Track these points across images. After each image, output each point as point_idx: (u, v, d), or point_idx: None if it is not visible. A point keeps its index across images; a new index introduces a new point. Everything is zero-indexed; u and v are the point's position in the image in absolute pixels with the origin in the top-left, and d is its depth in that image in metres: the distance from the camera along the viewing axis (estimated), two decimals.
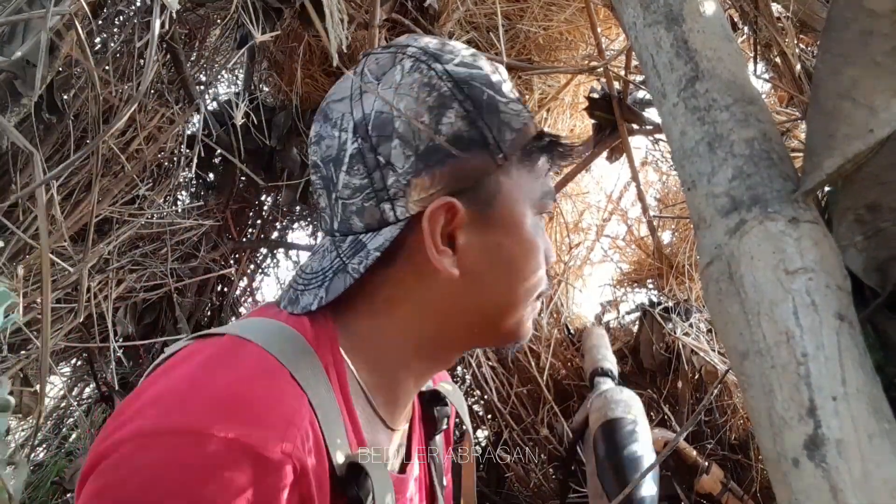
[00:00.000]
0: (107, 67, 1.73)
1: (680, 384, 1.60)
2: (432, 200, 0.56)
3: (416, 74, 0.58)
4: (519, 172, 0.60)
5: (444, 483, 0.73)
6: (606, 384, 1.02)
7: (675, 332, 1.57)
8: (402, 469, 0.65)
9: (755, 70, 0.95)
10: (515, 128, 0.58)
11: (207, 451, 0.43)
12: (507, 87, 0.60)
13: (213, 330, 0.54)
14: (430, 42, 0.60)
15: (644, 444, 0.88)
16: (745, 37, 1.21)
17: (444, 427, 0.72)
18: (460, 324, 0.61)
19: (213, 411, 0.45)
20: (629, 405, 0.92)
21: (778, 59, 0.88)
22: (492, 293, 0.60)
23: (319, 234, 2.43)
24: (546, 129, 0.61)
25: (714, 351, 1.56)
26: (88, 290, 1.58)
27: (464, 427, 0.77)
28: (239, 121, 1.28)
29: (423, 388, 0.71)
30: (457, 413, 0.76)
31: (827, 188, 0.38)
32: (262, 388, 0.48)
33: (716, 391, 1.50)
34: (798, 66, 0.85)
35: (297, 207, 2.47)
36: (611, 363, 1.09)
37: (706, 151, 0.32)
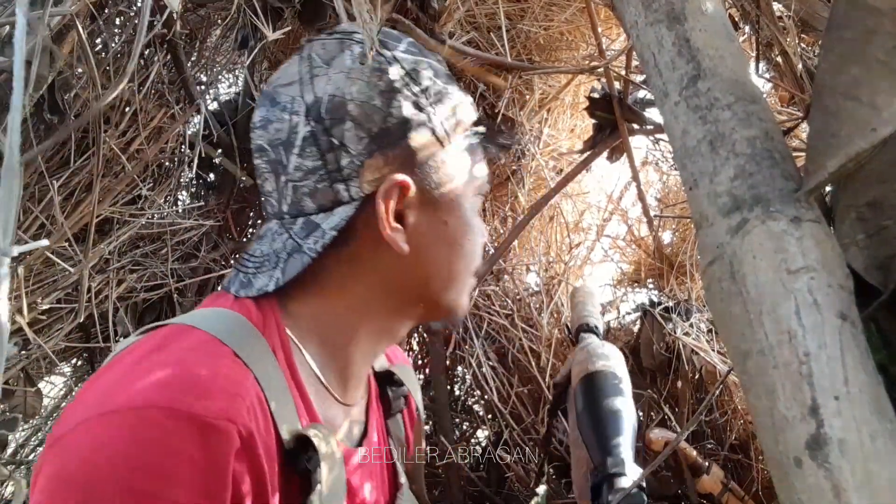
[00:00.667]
0: (107, 67, 1.73)
1: (680, 384, 1.60)
2: (385, 180, 0.58)
3: (353, 60, 0.60)
4: (460, 156, 0.63)
5: (405, 460, 0.76)
6: (590, 339, 1.00)
7: (675, 332, 1.57)
8: (360, 443, 0.67)
9: (757, 69, 0.95)
10: (457, 113, 0.62)
11: (151, 423, 0.44)
12: (447, 75, 0.64)
13: (159, 323, 0.56)
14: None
15: (623, 398, 0.86)
16: (746, 36, 1.20)
17: (403, 407, 0.75)
18: (408, 298, 0.64)
19: (155, 389, 0.46)
20: (609, 358, 0.91)
21: (779, 59, 0.88)
22: (437, 268, 0.63)
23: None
24: (480, 116, 0.65)
25: (714, 351, 1.56)
26: (89, 290, 1.58)
27: (417, 410, 0.80)
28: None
29: (378, 369, 0.74)
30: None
31: (830, 187, 0.38)
32: (205, 366, 0.49)
33: (717, 392, 1.49)
34: (800, 66, 0.85)
35: None
36: (596, 319, 1.08)
37: (708, 150, 0.32)
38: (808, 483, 0.27)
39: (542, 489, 0.80)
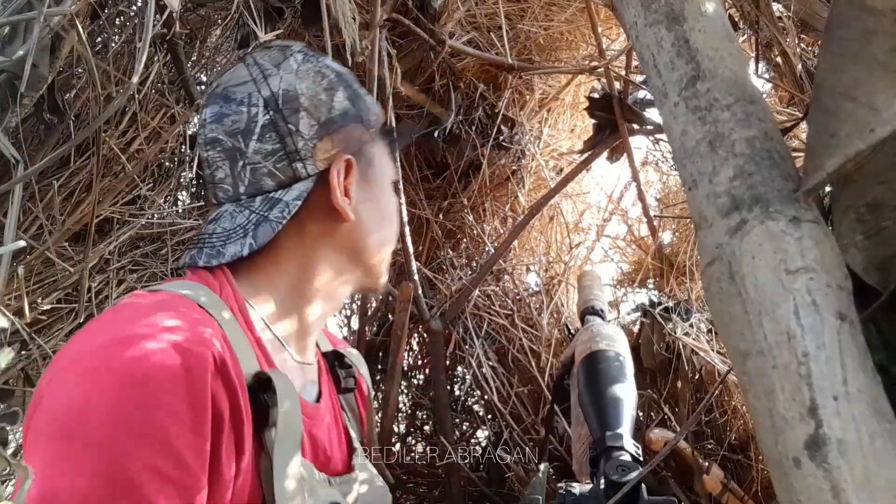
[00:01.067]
0: (107, 68, 1.73)
1: (680, 384, 1.60)
2: (335, 159, 0.72)
3: (308, 65, 0.74)
4: (381, 148, 0.79)
5: (362, 438, 0.85)
6: (595, 321, 1.01)
7: (675, 332, 1.57)
8: (317, 401, 0.76)
9: (756, 70, 0.94)
10: (374, 112, 0.77)
11: (133, 350, 0.51)
12: (360, 85, 0.78)
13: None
14: (301, 45, 0.78)
15: (625, 377, 0.88)
16: (745, 36, 1.20)
17: (353, 387, 0.84)
18: (348, 261, 0.75)
19: (131, 325, 0.54)
20: (613, 339, 0.92)
21: (779, 59, 0.88)
22: (371, 235, 0.76)
23: None
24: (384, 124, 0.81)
25: (714, 351, 1.56)
26: (89, 290, 1.58)
27: (368, 392, 0.89)
28: None
29: (324, 349, 0.84)
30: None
31: (829, 188, 0.38)
32: (175, 310, 0.57)
33: (716, 391, 1.49)
34: (799, 66, 0.85)
35: None
36: (602, 303, 1.09)
37: (707, 151, 0.32)
38: (807, 483, 0.27)
39: (543, 466, 0.81)
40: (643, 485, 0.74)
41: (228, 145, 0.70)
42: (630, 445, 0.78)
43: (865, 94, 0.29)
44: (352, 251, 0.76)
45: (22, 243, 0.68)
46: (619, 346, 0.93)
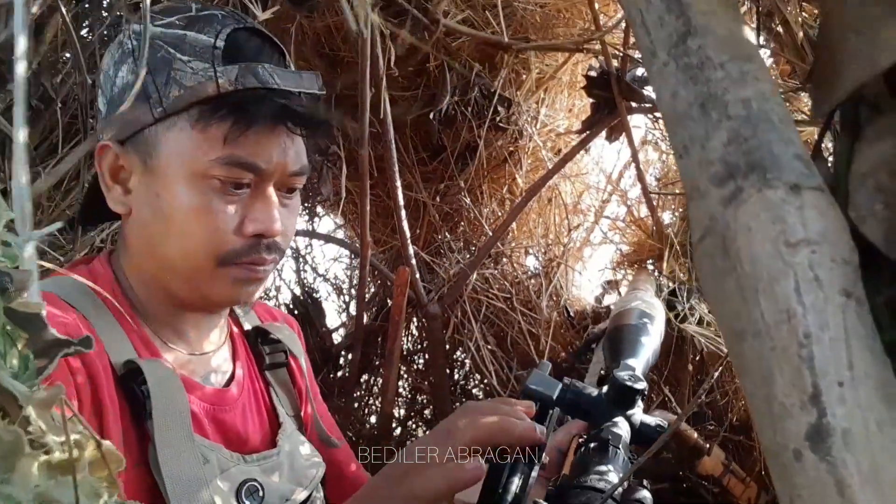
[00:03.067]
0: (95, 52, 1.69)
1: (681, 365, 1.58)
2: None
3: (120, 35, 0.68)
4: (186, 130, 0.63)
5: (300, 411, 0.83)
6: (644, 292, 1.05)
7: (676, 315, 1.55)
8: (227, 385, 0.74)
9: (757, 41, 0.91)
10: (186, 85, 0.62)
11: None
12: (207, 49, 0.63)
13: None
14: (160, 6, 0.68)
15: (648, 333, 0.91)
16: (745, 6, 1.17)
17: (282, 361, 0.81)
18: (155, 267, 0.68)
19: None
20: (652, 306, 0.95)
21: (780, 29, 0.85)
22: (162, 243, 0.65)
23: None
24: (229, 97, 0.63)
25: (715, 332, 1.54)
26: None
27: (301, 361, 0.85)
28: None
29: (248, 327, 0.82)
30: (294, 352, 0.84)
31: (833, 161, 0.35)
32: None
33: (717, 373, 1.48)
34: (801, 35, 0.82)
35: None
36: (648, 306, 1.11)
37: (699, 114, 0.29)
38: (808, 477, 0.24)
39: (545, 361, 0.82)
40: (640, 401, 0.76)
41: None
42: (640, 382, 0.78)
43: (870, 28, 0.27)
44: (149, 255, 0.68)
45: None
46: (653, 310, 0.95)
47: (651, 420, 0.77)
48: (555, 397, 0.71)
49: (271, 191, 0.67)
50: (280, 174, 0.67)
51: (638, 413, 0.77)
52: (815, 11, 0.99)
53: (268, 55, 0.67)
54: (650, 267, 1.83)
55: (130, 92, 0.60)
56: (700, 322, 1.52)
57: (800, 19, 0.84)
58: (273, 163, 0.65)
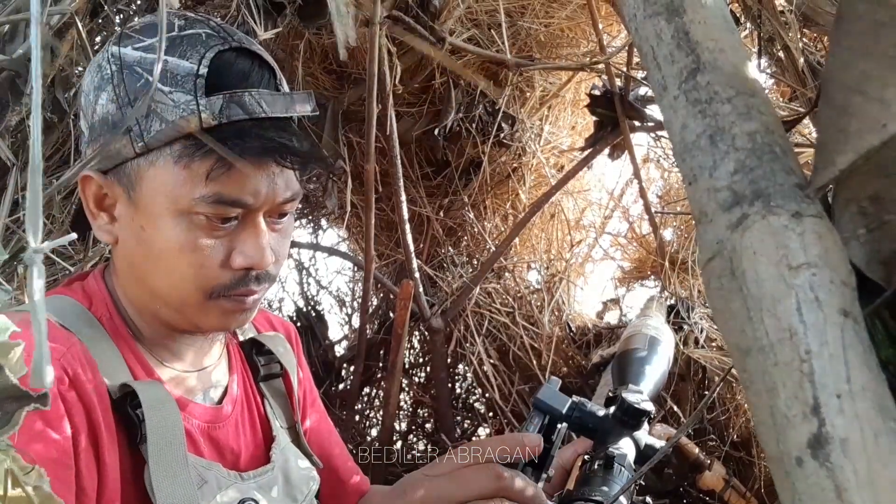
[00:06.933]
0: None
1: (683, 381, 1.60)
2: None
3: (99, 55, 0.63)
4: (168, 165, 0.60)
5: (295, 423, 0.80)
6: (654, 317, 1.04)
7: (680, 326, 1.57)
8: (220, 402, 0.73)
9: (759, 65, 0.94)
10: (168, 119, 0.58)
11: None
12: (189, 77, 0.59)
13: None
14: (140, 23, 0.64)
15: (658, 355, 0.91)
16: (747, 31, 1.20)
17: (277, 372, 0.79)
18: (145, 295, 0.66)
19: None
20: (660, 332, 0.95)
21: (781, 54, 0.88)
22: (150, 274, 0.64)
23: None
24: (209, 134, 0.58)
25: (716, 348, 1.55)
26: None
27: (300, 374, 0.85)
28: None
29: (242, 338, 0.80)
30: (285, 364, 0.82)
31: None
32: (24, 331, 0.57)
33: (718, 388, 1.49)
34: (802, 61, 0.84)
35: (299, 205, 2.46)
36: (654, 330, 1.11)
37: (707, 145, 0.31)
38: (809, 483, 0.26)
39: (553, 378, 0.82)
40: (646, 422, 0.76)
41: None
42: (648, 404, 0.78)
43: (876, 89, 0.28)
44: (135, 282, 0.66)
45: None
46: (662, 335, 0.95)
47: (656, 443, 0.78)
48: (563, 412, 0.72)
49: (260, 220, 0.64)
50: (270, 205, 0.64)
51: (644, 435, 0.78)
52: (815, 37, 1.02)
53: (257, 78, 0.62)
54: (651, 283, 1.85)
55: (110, 122, 0.60)
56: (698, 343, 1.54)
57: (800, 45, 0.86)
58: (261, 196, 0.62)
